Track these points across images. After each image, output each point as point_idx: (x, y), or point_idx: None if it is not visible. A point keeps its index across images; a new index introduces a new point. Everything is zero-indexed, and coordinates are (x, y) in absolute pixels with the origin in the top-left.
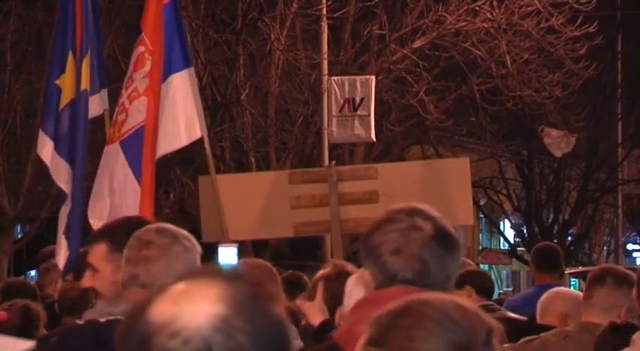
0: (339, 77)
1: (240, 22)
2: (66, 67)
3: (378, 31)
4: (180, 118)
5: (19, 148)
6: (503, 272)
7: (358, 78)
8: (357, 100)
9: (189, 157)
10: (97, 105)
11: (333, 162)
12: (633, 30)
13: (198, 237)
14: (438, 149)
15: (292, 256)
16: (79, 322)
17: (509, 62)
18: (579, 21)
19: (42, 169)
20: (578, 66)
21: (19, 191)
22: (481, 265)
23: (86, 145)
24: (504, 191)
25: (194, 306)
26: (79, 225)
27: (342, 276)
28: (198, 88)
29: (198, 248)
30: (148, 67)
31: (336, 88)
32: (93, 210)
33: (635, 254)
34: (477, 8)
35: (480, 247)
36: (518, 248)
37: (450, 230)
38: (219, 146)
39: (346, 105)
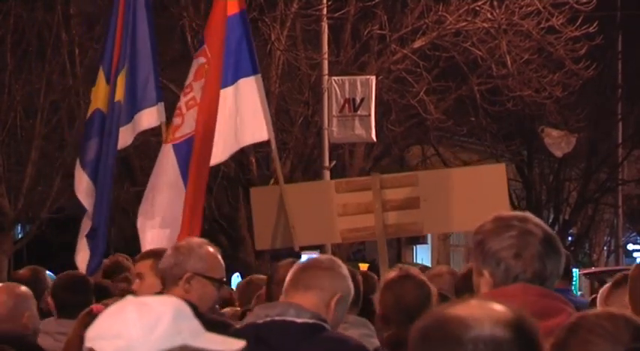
0: (339, 77)
1: None
2: (97, 80)
3: (379, 31)
4: (246, 119)
5: (19, 148)
6: None
7: (358, 78)
8: (358, 100)
9: None
10: (153, 117)
11: (334, 162)
12: (633, 30)
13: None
14: (438, 149)
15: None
16: (238, 326)
17: (509, 62)
18: (579, 21)
19: (42, 168)
20: (578, 66)
21: (19, 191)
22: None
23: (115, 152)
24: None
25: (482, 309)
26: (104, 231)
27: (408, 279)
28: None
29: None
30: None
31: (336, 88)
32: (141, 208)
33: (635, 254)
34: (478, 8)
35: None
36: None
37: (553, 234)
38: None
39: (346, 105)
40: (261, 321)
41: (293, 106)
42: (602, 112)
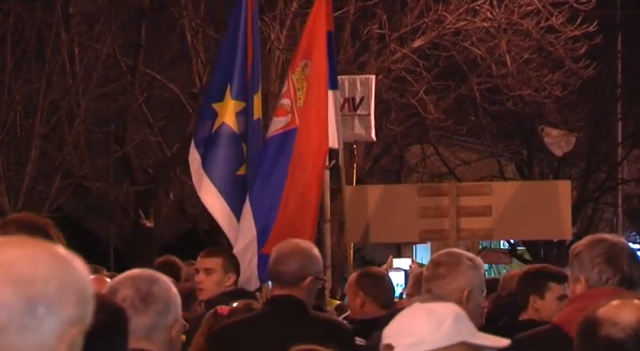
0: (338, 76)
1: None
2: (224, 96)
3: (378, 31)
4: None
5: (18, 148)
6: (504, 272)
7: (358, 77)
8: (357, 99)
9: (189, 156)
10: None
11: (333, 161)
12: (633, 29)
13: (198, 236)
14: (437, 149)
15: None
16: None
17: (509, 62)
18: (579, 20)
19: (41, 168)
20: (578, 65)
21: (19, 191)
22: None
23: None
24: None
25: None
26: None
27: None
28: (198, 88)
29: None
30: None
31: None
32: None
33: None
34: (477, 7)
35: (480, 247)
36: (518, 248)
37: (634, 249)
38: None
39: (346, 104)
40: None
41: None
42: (601, 112)
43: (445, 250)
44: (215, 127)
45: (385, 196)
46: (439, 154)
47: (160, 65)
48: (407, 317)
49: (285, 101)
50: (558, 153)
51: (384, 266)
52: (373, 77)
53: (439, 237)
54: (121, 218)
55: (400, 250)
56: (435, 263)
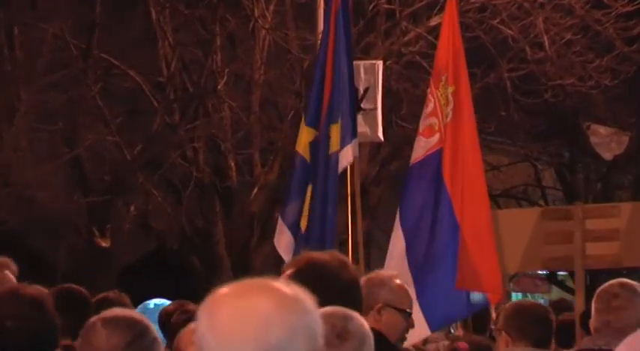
0: None
1: None
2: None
3: (386, 6)
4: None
5: None
6: (541, 302)
7: (362, 63)
8: (361, 90)
9: (154, 160)
10: (349, 154)
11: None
12: None
13: (165, 257)
14: None
15: None
16: None
17: (547, 44)
18: None
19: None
20: (632, 48)
21: None
22: (513, 294)
23: (336, 199)
24: (541, 202)
25: None
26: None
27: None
28: (165, 77)
29: None
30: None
31: None
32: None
33: None
34: None
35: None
36: (559, 273)
37: None
38: (191, 147)
39: None
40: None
41: (282, 98)
42: None
43: (615, 281)
44: (298, 160)
45: (505, 221)
46: None
47: (118, 48)
48: None
49: (432, 120)
50: (607, 156)
51: None
52: (380, 63)
53: (563, 265)
54: (72, 236)
55: None
56: (609, 295)
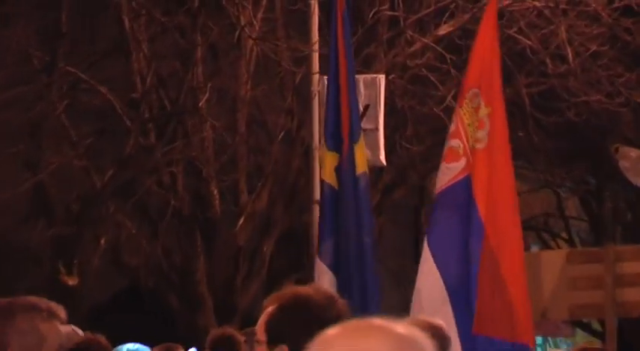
0: None
1: (198, 1)
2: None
3: (389, 13)
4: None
5: None
6: (564, 347)
7: (362, 77)
8: (361, 107)
9: (127, 187)
10: None
11: None
12: None
13: (139, 296)
14: None
15: None
16: None
17: (570, 56)
18: None
19: None
20: None
21: None
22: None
23: (372, 221)
24: (564, 234)
25: None
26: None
27: None
28: (140, 93)
29: None
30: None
31: None
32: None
33: None
34: None
35: None
36: None
37: None
38: (168, 172)
39: None
40: None
41: (271, 116)
42: None
43: None
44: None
45: (534, 264)
46: None
47: (87, 61)
48: None
49: (455, 142)
50: (638, 182)
51: None
52: (383, 77)
53: (593, 313)
54: (34, 271)
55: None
56: None
